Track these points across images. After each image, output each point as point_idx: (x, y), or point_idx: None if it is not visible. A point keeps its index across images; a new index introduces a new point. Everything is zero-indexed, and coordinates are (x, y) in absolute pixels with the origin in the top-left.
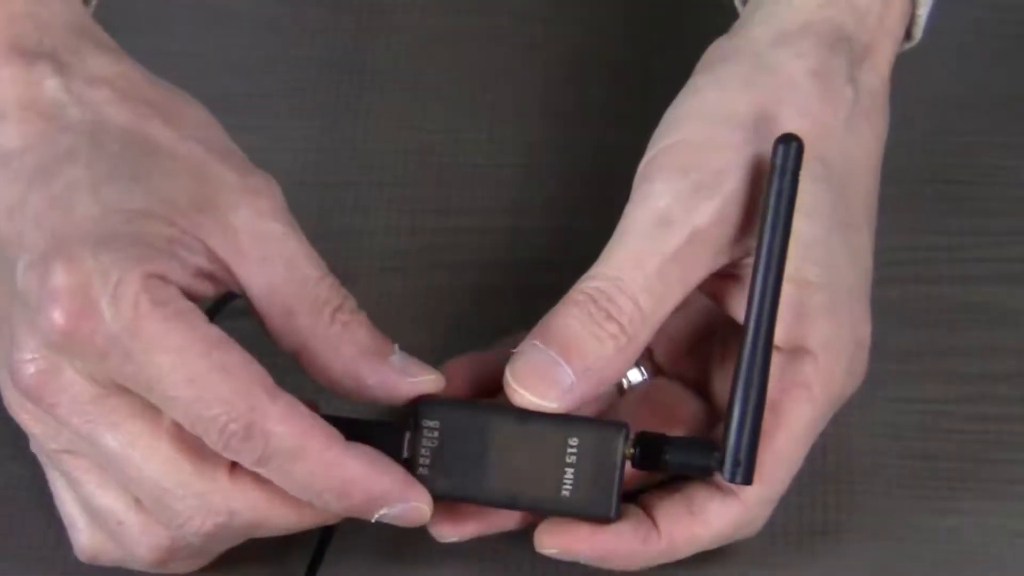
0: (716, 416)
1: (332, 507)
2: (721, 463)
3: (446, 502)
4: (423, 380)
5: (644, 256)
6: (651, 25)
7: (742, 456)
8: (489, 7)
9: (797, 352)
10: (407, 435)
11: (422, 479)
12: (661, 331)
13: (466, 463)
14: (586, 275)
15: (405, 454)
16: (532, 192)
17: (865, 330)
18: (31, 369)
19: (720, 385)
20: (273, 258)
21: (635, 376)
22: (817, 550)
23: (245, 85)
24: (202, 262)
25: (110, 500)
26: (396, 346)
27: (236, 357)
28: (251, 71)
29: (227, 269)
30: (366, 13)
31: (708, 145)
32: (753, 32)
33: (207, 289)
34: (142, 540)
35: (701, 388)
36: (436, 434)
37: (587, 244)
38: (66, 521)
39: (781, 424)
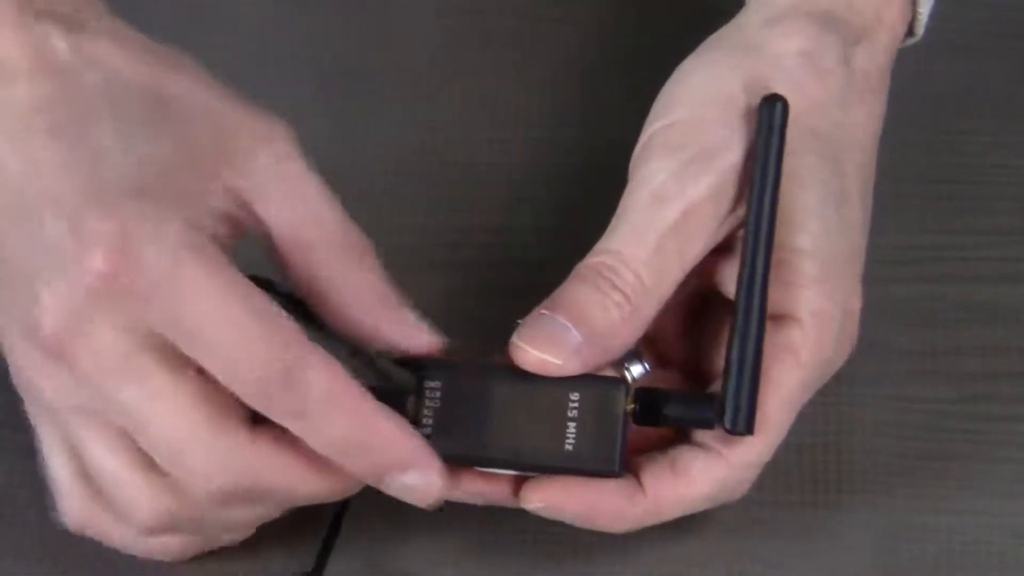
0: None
1: (356, 466)
2: (721, 414)
3: (450, 465)
4: (430, 340)
5: (642, 232)
6: (656, 24)
7: (742, 406)
8: (492, 7)
9: (785, 319)
10: (410, 399)
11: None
12: (661, 317)
13: (469, 422)
14: (590, 253)
15: (408, 417)
16: (535, 192)
17: (854, 301)
18: (56, 322)
19: (711, 363)
20: (296, 196)
21: (637, 370)
22: (818, 549)
23: (248, 86)
24: (227, 206)
25: (116, 463)
26: (407, 301)
27: (273, 307)
28: (254, 72)
29: (250, 210)
30: (370, 13)
31: (700, 123)
32: (744, 18)
33: (229, 234)
34: (143, 503)
35: (701, 376)
36: (438, 395)
37: (591, 244)
38: (55, 487)
39: (768, 388)
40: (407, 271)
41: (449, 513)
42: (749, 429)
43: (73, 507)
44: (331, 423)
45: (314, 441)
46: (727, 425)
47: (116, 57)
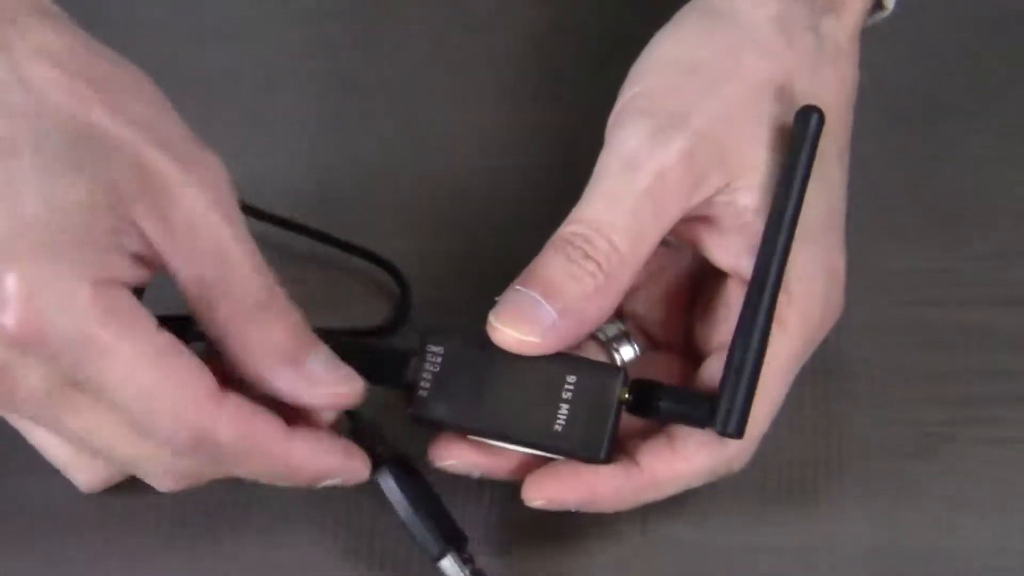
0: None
1: (280, 485)
2: (713, 415)
3: (443, 431)
4: (334, 392)
5: (615, 198)
6: (657, 19)
7: (735, 409)
8: (497, 25)
9: None
10: (412, 360)
11: (420, 401)
12: (650, 298)
13: (464, 390)
14: (564, 223)
15: (408, 378)
16: (539, 189)
17: (837, 260)
18: None
19: (702, 340)
20: (204, 251)
21: (628, 353)
22: (816, 563)
23: (247, 98)
24: (140, 249)
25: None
26: (320, 350)
27: (183, 365)
28: (254, 84)
29: (159, 259)
30: (373, 30)
31: (670, 90)
32: None
33: (146, 275)
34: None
35: (692, 355)
36: (439, 360)
37: None
38: (58, 465)
39: None
40: (414, 279)
41: (452, 495)
42: (739, 433)
43: (86, 476)
44: (247, 466)
45: (236, 474)
46: (717, 427)
47: (48, 78)
